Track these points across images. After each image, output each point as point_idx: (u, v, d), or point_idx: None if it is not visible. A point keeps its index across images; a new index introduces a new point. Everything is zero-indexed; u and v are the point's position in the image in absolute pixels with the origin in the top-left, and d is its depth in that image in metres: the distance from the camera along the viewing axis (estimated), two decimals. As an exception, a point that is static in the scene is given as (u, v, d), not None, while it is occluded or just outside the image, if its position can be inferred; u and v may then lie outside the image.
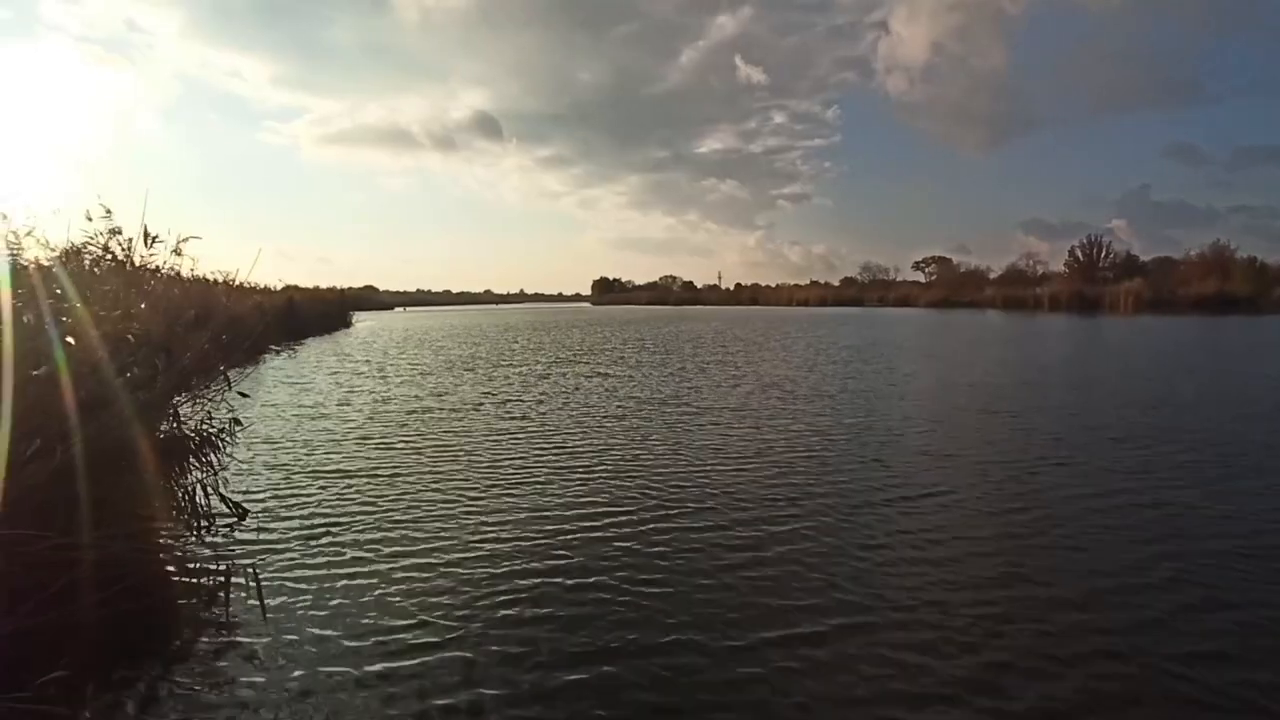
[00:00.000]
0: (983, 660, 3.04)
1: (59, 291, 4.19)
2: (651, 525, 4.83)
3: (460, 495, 5.55)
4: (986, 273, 72.64)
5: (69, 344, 3.85)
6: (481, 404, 10.18)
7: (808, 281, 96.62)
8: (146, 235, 5.23)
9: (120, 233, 5.43)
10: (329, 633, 3.29)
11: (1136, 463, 6.49)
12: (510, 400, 10.54)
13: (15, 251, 4.19)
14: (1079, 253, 67.42)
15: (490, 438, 7.75)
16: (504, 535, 4.61)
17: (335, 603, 3.62)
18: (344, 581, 3.89)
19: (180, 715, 2.67)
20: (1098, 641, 3.21)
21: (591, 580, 3.90)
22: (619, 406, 9.91)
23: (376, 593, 3.74)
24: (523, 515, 5.02)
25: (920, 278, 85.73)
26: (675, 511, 5.13)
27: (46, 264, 4.59)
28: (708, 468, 6.41)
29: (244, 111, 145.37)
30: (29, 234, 4.27)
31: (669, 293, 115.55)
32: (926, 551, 4.34)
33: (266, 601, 3.51)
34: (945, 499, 5.43)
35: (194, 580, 3.93)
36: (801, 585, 3.82)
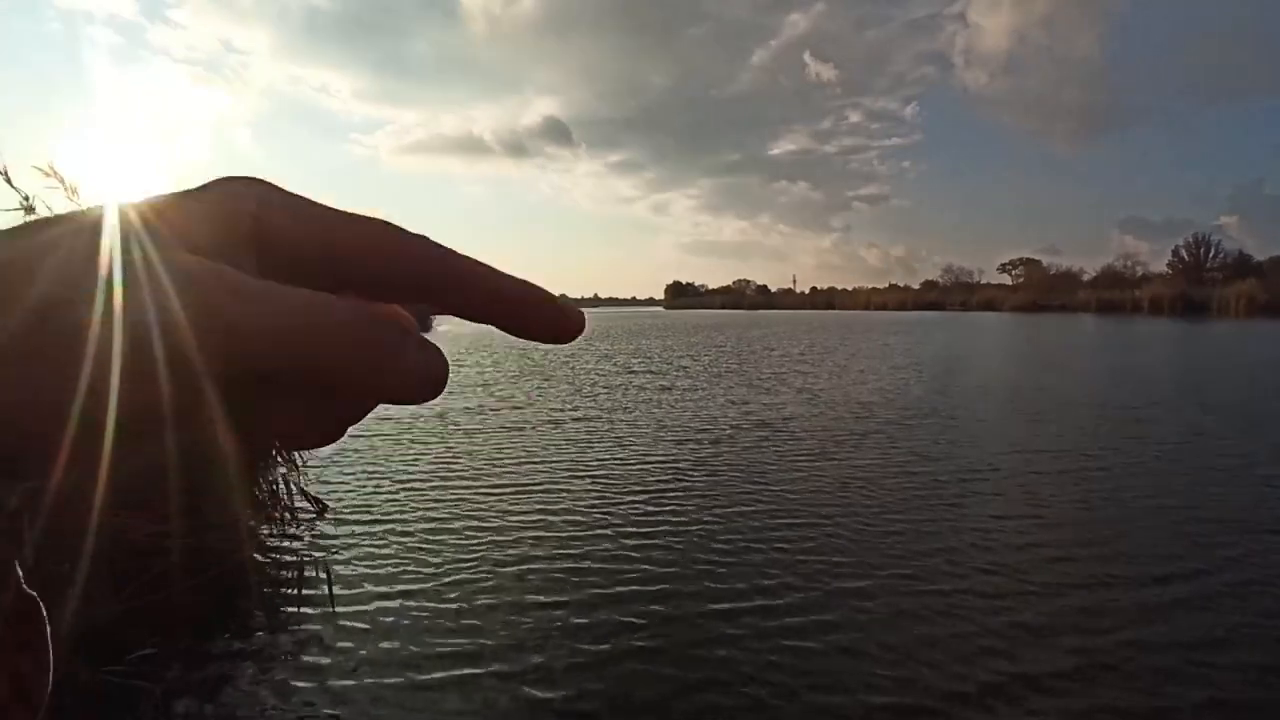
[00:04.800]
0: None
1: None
2: (739, 568, 4.39)
3: (536, 508, 5.54)
4: (1079, 275, 69.18)
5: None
6: (556, 415, 10.34)
7: (886, 285, 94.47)
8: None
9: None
10: (395, 629, 3.41)
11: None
12: (585, 415, 10.67)
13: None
14: (1184, 252, 63.52)
15: (570, 451, 7.79)
16: (578, 551, 4.56)
17: (404, 601, 3.74)
18: (415, 579, 4.01)
19: (246, 693, 2.85)
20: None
21: (673, 599, 3.87)
22: (695, 427, 9.86)
23: (444, 592, 3.86)
24: (599, 532, 4.93)
25: (1006, 280, 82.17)
26: (778, 561, 4.58)
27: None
28: (800, 509, 5.32)
29: (330, 124, 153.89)
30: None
31: (743, 297, 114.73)
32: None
33: (337, 595, 3.67)
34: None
35: (272, 570, 4.16)
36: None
